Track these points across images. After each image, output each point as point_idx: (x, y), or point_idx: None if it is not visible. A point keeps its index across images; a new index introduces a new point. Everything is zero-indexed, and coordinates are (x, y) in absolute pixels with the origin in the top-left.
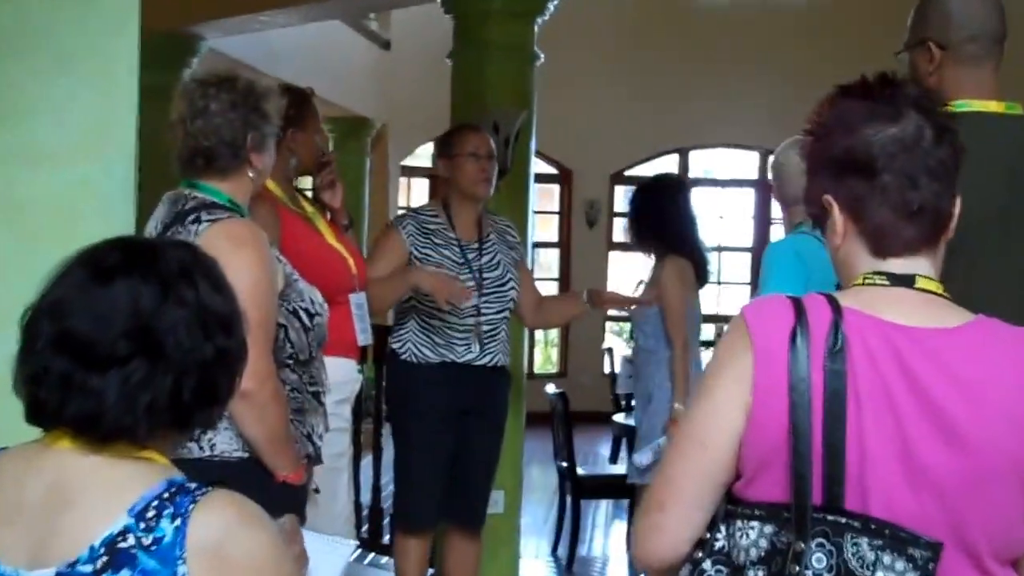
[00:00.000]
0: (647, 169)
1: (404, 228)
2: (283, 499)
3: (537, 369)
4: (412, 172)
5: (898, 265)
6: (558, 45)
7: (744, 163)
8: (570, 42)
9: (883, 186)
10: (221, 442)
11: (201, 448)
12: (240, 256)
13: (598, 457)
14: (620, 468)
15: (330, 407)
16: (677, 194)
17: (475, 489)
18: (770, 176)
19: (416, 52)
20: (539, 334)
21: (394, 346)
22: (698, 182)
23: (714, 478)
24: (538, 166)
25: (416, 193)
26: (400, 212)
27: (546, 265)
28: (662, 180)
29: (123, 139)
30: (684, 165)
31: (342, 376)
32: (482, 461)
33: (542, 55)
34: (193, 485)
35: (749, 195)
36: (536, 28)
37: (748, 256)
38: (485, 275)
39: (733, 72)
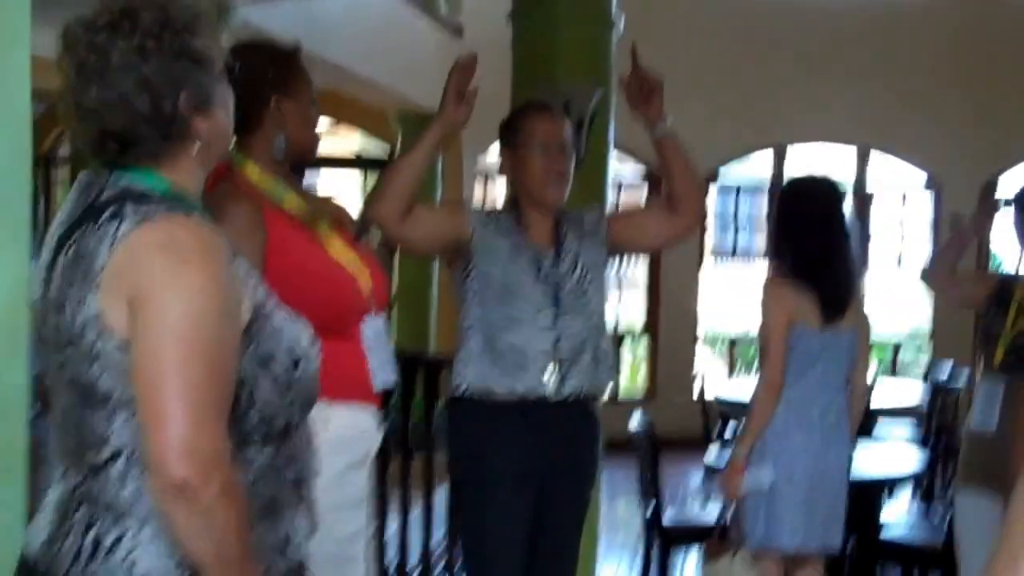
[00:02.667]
0: (741, 168)
1: (472, 209)
2: None
3: (625, 391)
4: (489, 173)
5: None
6: (639, 36)
7: (840, 161)
8: (654, 34)
9: None
10: (146, 558)
11: (109, 569)
12: (182, 276)
13: (688, 491)
14: (712, 513)
15: (338, 473)
16: (821, 204)
17: (562, 561)
18: None
19: (492, 39)
20: (625, 355)
21: (455, 381)
22: None
23: None
24: (625, 166)
25: (493, 196)
26: None
27: (635, 276)
28: (803, 184)
29: (11, 115)
30: (780, 163)
31: (355, 430)
32: (569, 527)
33: (622, 23)
34: None
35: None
36: None
37: None
38: (563, 287)
39: (829, 64)
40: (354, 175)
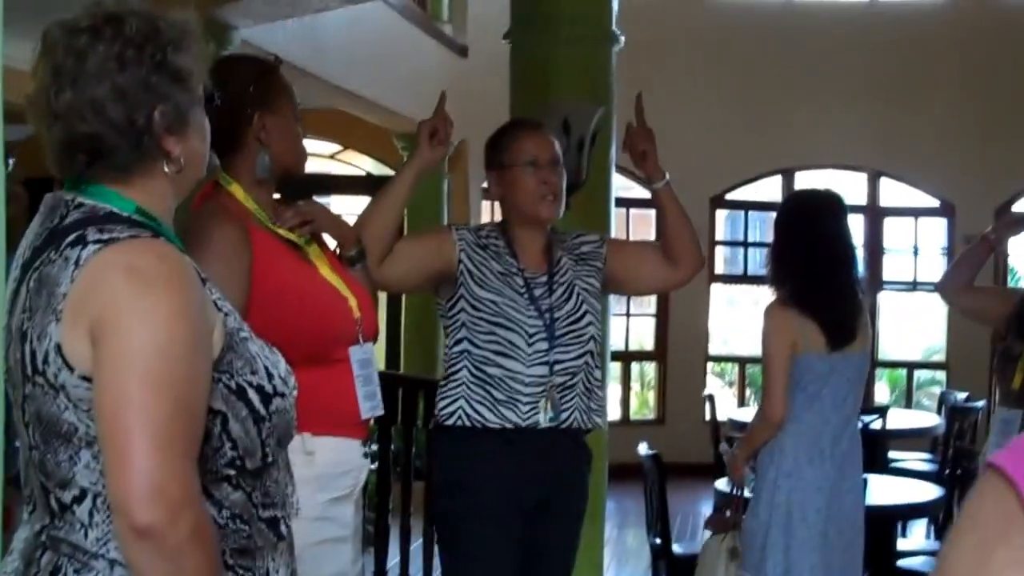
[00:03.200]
0: (749, 192)
1: (459, 232)
2: None
3: (633, 414)
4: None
5: None
6: (646, 56)
7: (851, 186)
8: (660, 54)
9: None
10: None
11: None
12: (147, 302)
13: (699, 519)
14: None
15: (322, 509)
16: (824, 219)
17: None
18: None
19: (497, 59)
20: (634, 377)
21: (441, 406)
22: None
23: None
24: (632, 190)
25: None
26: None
27: (644, 299)
28: (805, 199)
29: None
30: (789, 188)
31: (341, 464)
32: (559, 565)
33: (622, 37)
34: None
35: (858, 221)
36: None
37: None
38: (556, 314)
39: (839, 87)
40: (363, 200)
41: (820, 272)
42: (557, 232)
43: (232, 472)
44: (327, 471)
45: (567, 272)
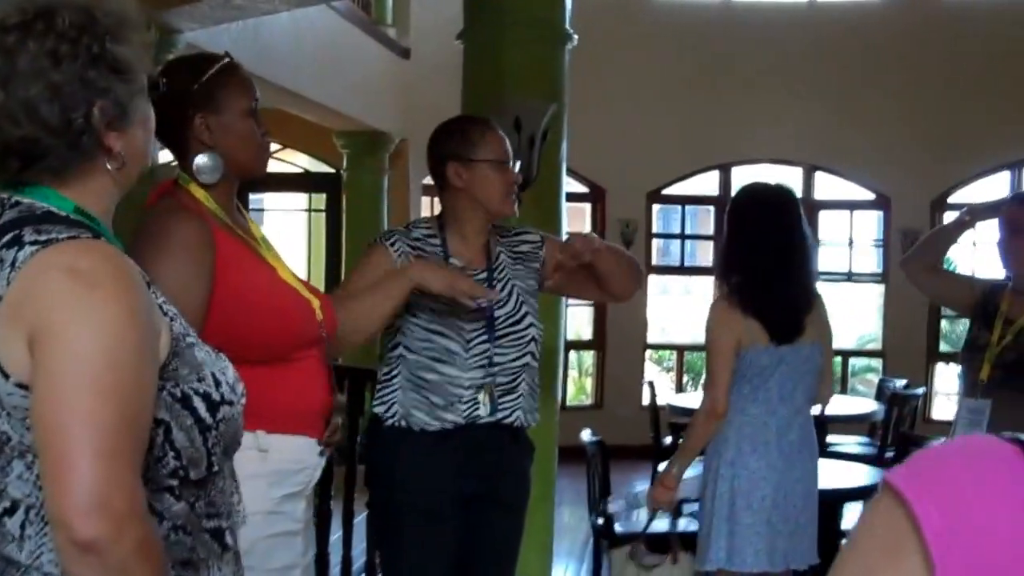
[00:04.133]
0: (686, 187)
1: (392, 244)
2: None
3: (570, 400)
4: (436, 191)
5: None
6: (585, 55)
7: (787, 181)
8: (598, 52)
9: None
10: None
11: None
12: (91, 305)
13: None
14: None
15: (274, 504)
16: (771, 216)
17: None
18: None
19: (438, 61)
20: (572, 362)
21: (377, 409)
22: None
23: None
24: (568, 184)
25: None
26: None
27: None
28: (757, 193)
29: None
30: (726, 182)
31: (297, 461)
32: (496, 562)
33: (575, 36)
34: None
35: None
36: (568, 1)
37: None
38: (496, 313)
39: (776, 84)
40: (300, 197)
41: (767, 269)
42: (497, 226)
43: (175, 482)
44: (282, 467)
45: (505, 269)
